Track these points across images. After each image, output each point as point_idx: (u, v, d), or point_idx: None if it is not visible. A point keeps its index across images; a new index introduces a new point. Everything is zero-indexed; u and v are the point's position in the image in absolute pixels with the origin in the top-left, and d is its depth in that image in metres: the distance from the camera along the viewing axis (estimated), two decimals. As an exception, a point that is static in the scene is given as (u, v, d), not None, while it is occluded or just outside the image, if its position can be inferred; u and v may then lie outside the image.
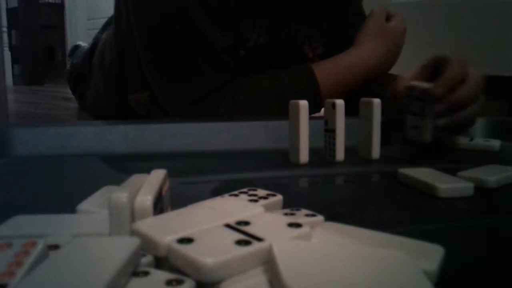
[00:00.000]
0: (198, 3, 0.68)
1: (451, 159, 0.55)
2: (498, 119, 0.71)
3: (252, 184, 0.33)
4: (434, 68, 0.56)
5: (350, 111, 0.54)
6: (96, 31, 1.29)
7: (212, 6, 0.69)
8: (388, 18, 0.83)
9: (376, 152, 0.51)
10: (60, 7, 4.77)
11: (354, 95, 0.73)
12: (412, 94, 0.54)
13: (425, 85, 0.52)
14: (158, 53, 0.74)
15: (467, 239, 0.30)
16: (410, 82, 0.55)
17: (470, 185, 0.38)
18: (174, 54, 0.71)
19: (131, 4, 0.75)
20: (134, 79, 0.81)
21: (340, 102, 0.49)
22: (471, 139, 0.60)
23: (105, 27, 1.21)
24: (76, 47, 1.62)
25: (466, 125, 0.57)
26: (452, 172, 0.41)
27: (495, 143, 0.59)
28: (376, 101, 0.51)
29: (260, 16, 0.75)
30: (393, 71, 0.84)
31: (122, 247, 0.20)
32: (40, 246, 0.20)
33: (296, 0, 0.79)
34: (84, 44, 1.61)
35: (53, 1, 4.78)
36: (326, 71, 0.76)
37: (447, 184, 0.38)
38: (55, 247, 0.22)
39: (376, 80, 0.79)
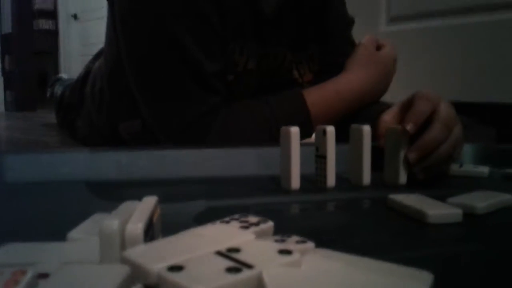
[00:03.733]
0: (187, 29, 0.69)
1: (440, 185, 0.55)
2: (487, 146, 0.72)
3: (244, 210, 0.34)
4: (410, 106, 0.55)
5: (342, 137, 0.54)
6: (90, 57, 1.30)
7: (199, 32, 0.70)
8: (379, 47, 0.84)
9: (366, 178, 0.52)
10: (54, 34, 4.81)
11: (345, 121, 0.73)
12: (388, 138, 0.54)
13: (398, 127, 0.53)
14: (148, 79, 0.74)
15: (456, 265, 0.30)
16: (387, 124, 0.55)
17: (459, 211, 0.38)
18: (164, 79, 0.72)
19: (121, 31, 0.76)
20: (124, 107, 0.81)
21: (330, 129, 0.50)
22: (461, 165, 0.61)
23: (97, 56, 1.22)
24: (58, 79, 1.64)
25: (444, 163, 0.54)
26: (442, 198, 0.42)
27: (484, 169, 0.59)
28: (366, 128, 0.51)
29: (248, 40, 0.76)
30: (384, 98, 0.85)
31: (112, 275, 0.20)
32: (29, 274, 0.20)
33: (282, 25, 0.80)
34: (67, 76, 1.64)
35: (48, 27, 4.82)
36: (316, 96, 0.77)
37: (436, 210, 0.38)
38: (45, 275, 0.22)
39: (367, 108, 0.80)
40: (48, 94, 1.58)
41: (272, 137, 0.69)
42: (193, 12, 0.69)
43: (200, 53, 0.70)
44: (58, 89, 1.53)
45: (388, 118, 0.58)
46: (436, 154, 0.52)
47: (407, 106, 0.56)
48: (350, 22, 0.93)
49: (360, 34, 0.89)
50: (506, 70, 1.22)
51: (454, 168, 0.60)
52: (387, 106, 0.69)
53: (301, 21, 0.83)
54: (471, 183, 0.55)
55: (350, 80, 0.79)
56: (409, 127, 0.50)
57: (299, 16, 0.83)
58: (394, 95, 0.84)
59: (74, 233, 0.29)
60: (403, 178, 0.52)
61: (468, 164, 0.63)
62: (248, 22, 0.75)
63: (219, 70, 0.73)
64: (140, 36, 0.73)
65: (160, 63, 0.71)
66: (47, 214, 0.42)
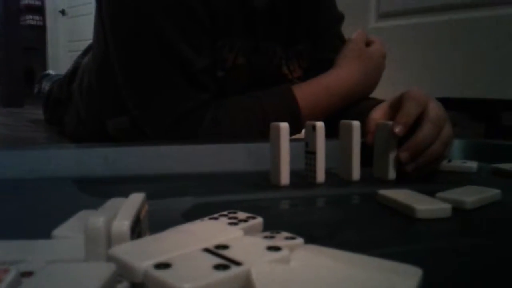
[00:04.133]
0: (173, 25, 0.68)
1: (429, 181, 0.55)
2: (475, 141, 0.73)
3: (233, 206, 0.33)
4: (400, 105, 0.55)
5: (332, 132, 0.54)
6: (78, 53, 1.29)
7: (187, 27, 0.69)
8: (369, 43, 0.85)
9: (356, 174, 0.52)
10: (42, 29, 4.75)
11: (335, 117, 0.73)
12: (378, 133, 0.54)
13: (388, 123, 0.53)
14: (136, 76, 0.74)
15: (445, 260, 0.30)
16: (376, 122, 0.55)
17: (448, 206, 0.38)
18: (152, 76, 0.71)
19: (108, 27, 0.75)
20: (112, 103, 0.81)
21: (320, 125, 0.50)
22: (449, 161, 0.61)
23: (86, 52, 1.21)
24: (45, 75, 1.62)
25: (434, 161, 0.54)
26: (431, 193, 0.42)
27: (473, 165, 0.60)
28: (356, 124, 0.51)
29: (237, 36, 0.75)
30: (374, 94, 0.85)
31: (98, 273, 0.19)
32: (12, 273, 0.20)
33: (271, 20, 0.80)
34: (54, 73, 1.62)
35: (35, 23, 4.76)
36: (306, 92, 0.76)
37: (425, 206, 0.38)
38: (29, 273, 0.21)
39: (356, 104, 0.80)
40: (35, 90, 1.57)
41: (262, 133, 0.68)
42: (180, 8, 0.68)
43: (188, 48, 0.70)
44: (45, 85, 1.52)
45: (376, 115, 0.58)
46: (427, 153, 0.52)
47: (396, 104, 0.56)
48: (339, 18, 0.93)
49: (350, 30, 0.89)
50: (494, 66, 1.23)
51: (443, 163, 0.60)
52: (377, 102, 0.70)
53: (293, 16, 0.83)
54: (460, 178, 0.55)
55: (340, 76, 0.79)
56: (397, 129, 0.51)
57: (291, 12, 0.82)
58: (384, 91, 0.85)
59: (59, 231, 0.29)
60: (392, 173, 0.52)
61: (456, 160, 0.63)
62: (238, 17, 0.75)
63: (208, 65, 0.72)
64: (127, 32, 0.72)
65: (148, 58, 0.71)
66: (32, 212, 0.41)
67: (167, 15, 0.68)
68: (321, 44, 0.88)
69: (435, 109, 0.53)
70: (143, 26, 0.69)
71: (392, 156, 0.52)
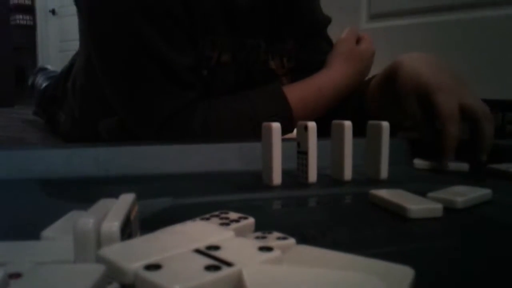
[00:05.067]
0: (150, 25, 0.67)
1: (421, 180, 0.56)
2: (467, 141, 0.73)
3: (224, 207, 0.33)
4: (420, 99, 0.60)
5: (325, 132, 0.54)
6: (68, 53, 1.28)
7: (165, 27, 0.69)
8: (358, 40, 0.85)
9: (348, 174, 0.52)
10: (32, 29, 4.72)
11: (327, 116, 0.74)
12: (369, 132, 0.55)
13: (380, 123, 0.53)
14: (119, 78, 0.72)
15: (436, 260, 0.30)
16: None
17: (439, 206, 0.39)
18: (136, 77, 0.70)
19: (88, 29, 0.74)
20: (103, 104, 0.80)
21: (312, 125, 0.50)
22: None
23: None
24: (43, 69, 1.61)
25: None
26: (422, 193, 0.42)
27: (464, 164, 0.60)
28: (347, 124, 0.51)
29: (219, 34, 0.75)
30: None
31: (87, 275, 0.19)
32: (0, 274, 0.19)
33: (253, 17, 0.79)
34: (52, 68, 1.60)
35: (25, 23, 4.72)
36: (297, 92, 0.76)
37: (417, 205, 0.38)
38: (17, 275, 0.21)
39: (348, 100, 0.81)
40: (29, 82, 1.54)
41: (253, 133, 0.68)
42: (158, 8, 0.68)
43: (168, 48, 0.69)
44: (40, 80, 1.50)
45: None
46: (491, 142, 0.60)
47: (392, 76, 0.63)
48: (326, 21, 0.93)
49: (341, 31, 0.89)
50: (487, 66, 1.24)
51: (434, 163, 0.60)
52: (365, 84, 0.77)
53: (273, 14, 0.82)
54: (451, 178, 0.55)
55: (331, 77, 0.80)
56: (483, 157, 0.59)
57: (271, 10, 0.82)
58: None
59: (48, 232, 0.28)
60: (384, 173, 0.52)
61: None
62: (218, 15, 0.74)
63: (191, 64, 0.72)
64: (106, 34, 0.71)
65: (130, 61, 0.70)
66: (21, 212, 0.40)
67: (144, 15, 0.67)
68: (308, 46, 0.88)
69: (477, 101, 0.60)
70: (121, 27, 0.68)
71: (384, 155, 0.52)
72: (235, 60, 0.77)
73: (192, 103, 0.71)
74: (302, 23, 0.86)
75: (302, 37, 0.87)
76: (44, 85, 1.42)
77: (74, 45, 1.30)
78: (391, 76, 0.65)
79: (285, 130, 0.64)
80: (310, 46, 0.88)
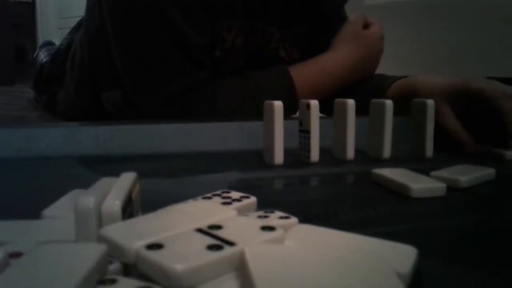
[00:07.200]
0: (174, 1, 0.67)
1: (424, 159, 0.55)
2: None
3: (226, 185, 0.33)
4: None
5: (329, 112, 0.54)
6: (68, 30, 1.26)
7: (188, 5, 0.68)
8: (367, 25, 0.84)
9: (350, 152, 0.52)
10: (31, 6, 4.66)
11: (333, 96, 0.73)
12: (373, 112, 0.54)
13: (384, 101, 0.52)
14: (132, 51, 0.72)
15: (440, 239, 0.30)
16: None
17: (443, 185, 0.38)
18: (150, 51, 0.70)
19: (105, 1, 0.73)
20: (106, 77, 0.80)
21: (314, 103, 0.49)
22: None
23: (78, 27, 1.18)
24: (50, 43, 1.59)
25: None
26: (426, 172, 0.42)
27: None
28: (350, 102, 0.51)
29: (237, 17, 0.75)
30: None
31: (88, 254, 0.19)
32: (0, 254, 0.19)
33: (269, 2, 0.79)
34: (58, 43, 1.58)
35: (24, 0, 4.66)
36: (301, 72, 0.76)
37: (420, 184, 0.38)
38: (17, 254, 0.21)
39: (365, 83, 0.80)
40: (35, 54, 1.54)
41: (258, 112, 0.68)
42: None
43: (187, 25, 0.69)
44: (42, 55, 1.48)
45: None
46: None
47: (456, 94, 0.61)
48: (343, 1, 0.92)
49: (346, 9, 0.88)
50: (493, 44, 1.22)
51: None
52: (389, 77, 0.74)
53: None
54: (454, 158, 0.55)
55: (335, 58, 0.80)
56: None
57: None
58: (381, 70, 0.85)
59: (49, 211, 0.28)
60: (387, 152, 0.52)
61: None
62: None
63: (206, 44, 0.71)
64: (125, 8, 0.71)
65: (146, 35, 0.70)
66: (21, 191, 0.40)
67: None
68: (324, 26, 0.87)
69: None
70: (142, 1, 0.68)
71: (387, 134, 0.52)
72: (247, 44, 0.77)
73: (202, 83, 0.71)
74: (319, 2, 0.85)
75: (319, 17, 0.86)
76: (44, 60, 1.41)
77: (73, 22, 1.28)
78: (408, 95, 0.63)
79: (289, 109, 0.64)
80: (326, 26, 0.87)
